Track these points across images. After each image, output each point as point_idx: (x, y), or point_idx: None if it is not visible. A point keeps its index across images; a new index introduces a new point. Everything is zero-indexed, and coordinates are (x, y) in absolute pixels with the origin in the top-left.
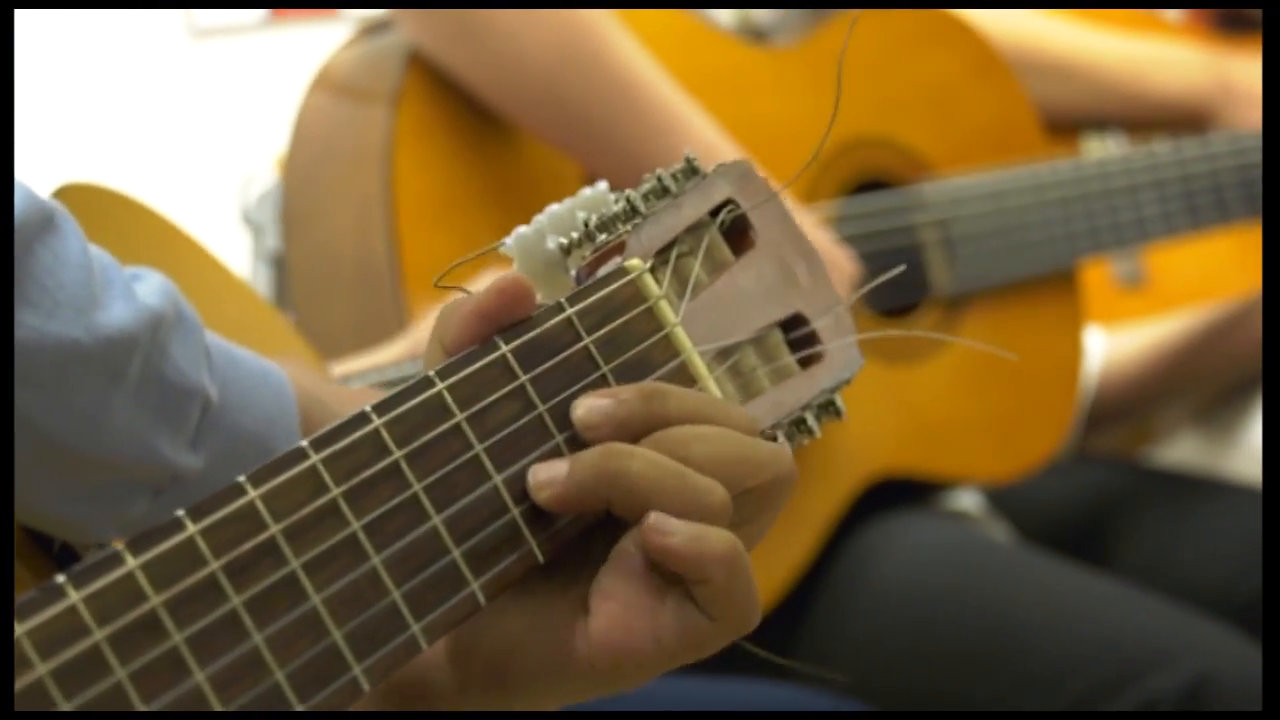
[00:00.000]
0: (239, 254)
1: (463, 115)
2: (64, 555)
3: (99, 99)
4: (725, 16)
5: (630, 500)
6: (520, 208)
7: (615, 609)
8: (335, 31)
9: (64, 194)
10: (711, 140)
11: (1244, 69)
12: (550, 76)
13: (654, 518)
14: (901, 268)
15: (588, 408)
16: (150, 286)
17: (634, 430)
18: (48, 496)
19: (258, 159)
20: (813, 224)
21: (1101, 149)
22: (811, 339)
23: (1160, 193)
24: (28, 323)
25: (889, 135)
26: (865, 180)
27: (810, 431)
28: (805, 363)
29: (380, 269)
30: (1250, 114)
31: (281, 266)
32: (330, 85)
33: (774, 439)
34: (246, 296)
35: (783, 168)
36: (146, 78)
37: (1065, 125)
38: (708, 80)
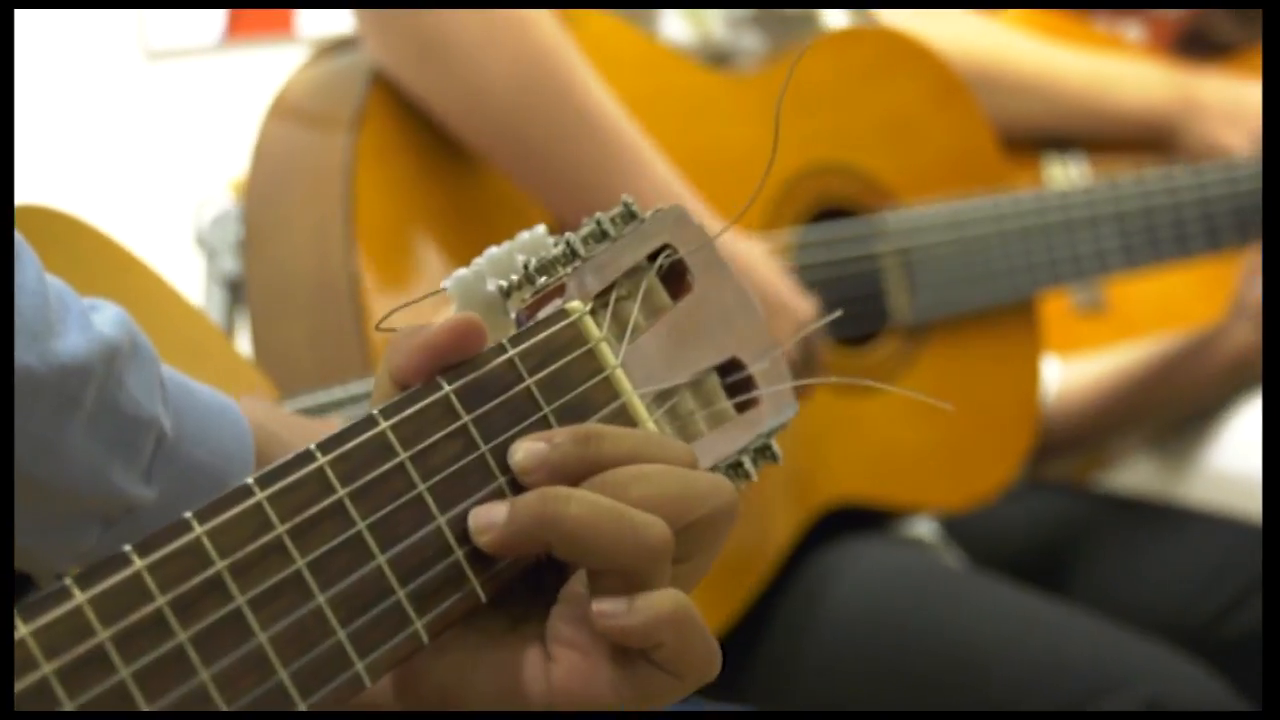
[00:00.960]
0: (193, 277)
1: (424, 138)
2: (22, 581)
3: (52, 120)
4: (684, 36)
5: (570, 544)
6: (480, 231)
7: (576, 659)
8: (291, 54)
9: (17, 217)
10: (668, 180)
11: (1209, 85)
12: (511, 109)
13: (596, 605)
14: (836, 313)
15: (525, 452)
16: (106, 317)
17: (570, 473)
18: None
19: (212, 182)
20: (771, 269)
21: (1063, 171)
22: (748, 384)
23: (1121, 225)
24: None
25: (850, 162)
26: (826, 208)
27: (747, 475)
28: (742, 407)
29: (339, 290)
30: (1216, 130)
31: (235, 289)
32: (292, 105)
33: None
34: (199, 324)
35: (740, 195)
36: (100, 99)
37: (1027, 144)
38: (666, 105)
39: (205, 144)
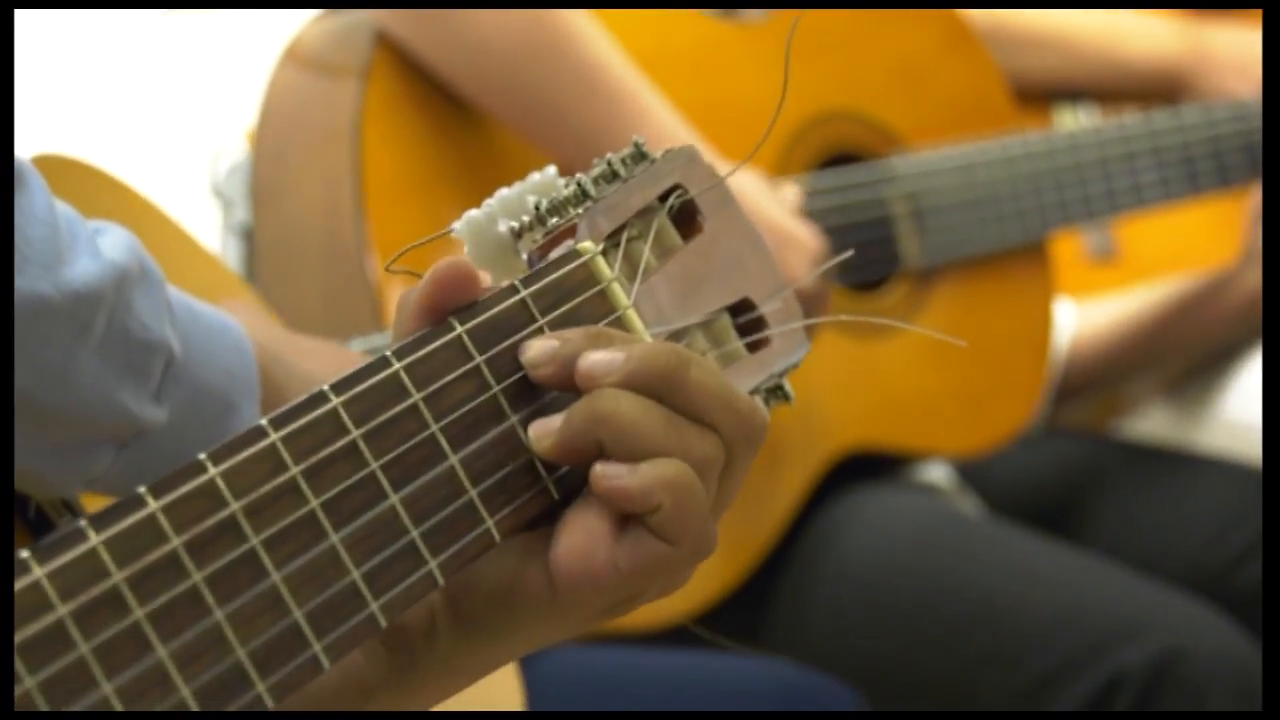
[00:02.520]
0: (209, 227)
1: (432, 91)
2: (39, 521)
3: (66, 70)
4: None
5: (622, 438)
6: (488, 184)
7: (575, 537)
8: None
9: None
10: (672, 127)
11: (1219, 37)
12: (512, 60)
13: (599, 466)
14: (849, 253)
15: (536, 348)
16: (114, 241)
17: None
18: (16, 449)
19: (228, 132)
20: (777, 202)
21: (1074, 120)
22: (759, 324)
23: (1131, 164)
24: None
25: (859, 109)
26: (835, 154)
27: None
28: (753, 347)
29: (348, 244)
30: (1226, 81)
31: (251, 240)
32: (300, 60)
33: None
34: (215, 268)
35: (749, 143)
36: (115, 49)
37: (1038, 95)
38: (676, 55)
39: (220, 94)
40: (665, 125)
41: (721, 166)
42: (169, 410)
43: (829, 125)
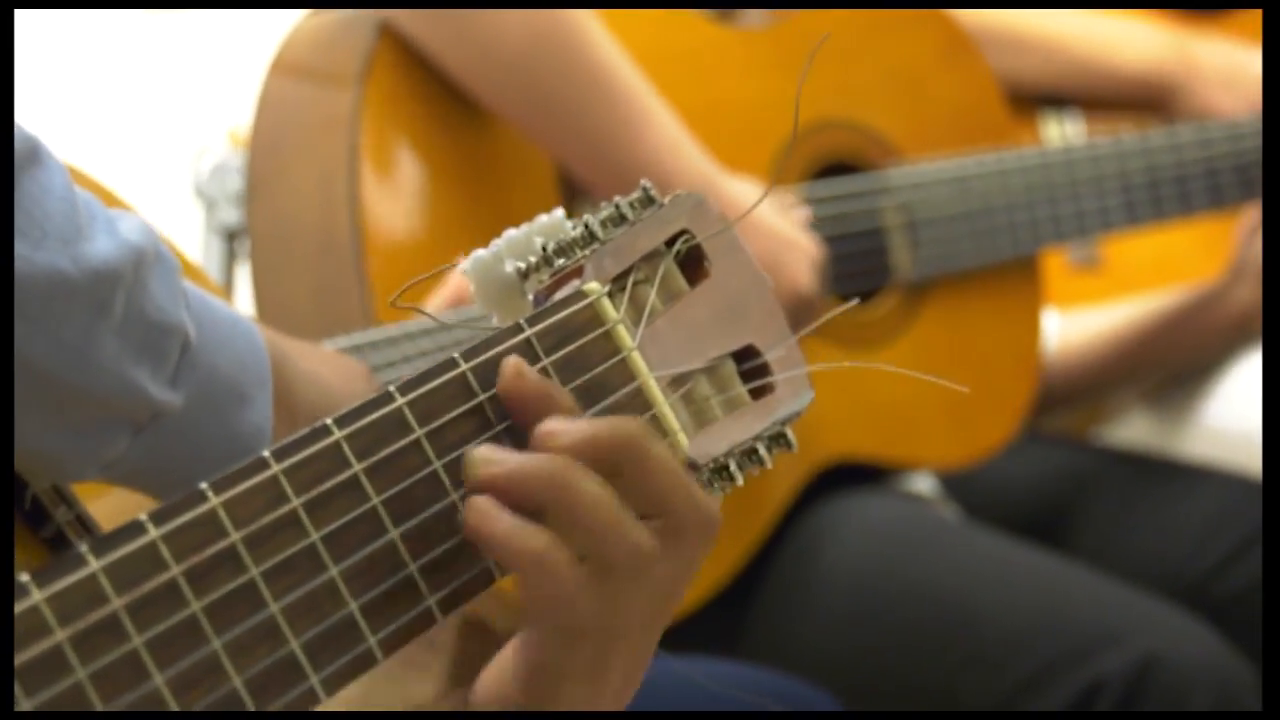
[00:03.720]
0: (192, 228)
1: (431, 89)
2: (35, 512)
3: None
4: None
5: (566, 512)
6: (486, 185)
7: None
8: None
9: None
10: (675, 134)
11: (1208, 49)
12: (522, 59)
13: (477, 452)
14: (854, 302)
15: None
16: (131, 224)
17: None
18: (31, 430)
19: (211, 132)
20: (777, 209)
21: (1059, 130)
22: (763, 370)
23: (1125, 183)
24: (17, 251)
25: (856, 118)
26: (831, 163)
27: (761, 462)
28: (757, 394)
29: (343, 241)
30: (1212, 95)
31: (234, 240)
32: (298, 55)
33: (725, 467)
34: (198, 277)
35: (750, 148)
36: (97, 49)
37: (1023, 103)
38: (674, 58)
39: (204, 93)
40: (667, 132)
41: (730, 214)
42: (184, 396)
43: (825, 134)
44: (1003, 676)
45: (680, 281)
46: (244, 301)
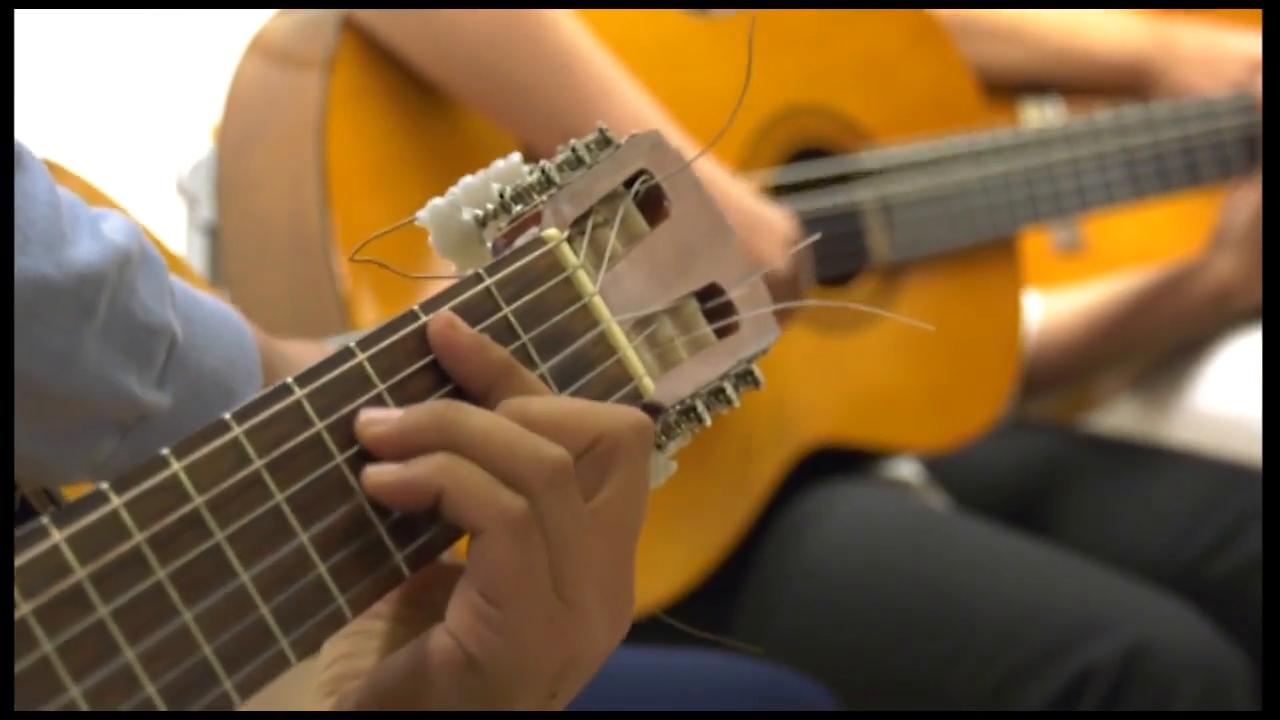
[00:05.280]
0: (174, 225)
1: (397, 83)
2: (23, 512)
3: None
4: None
5: (465, 450)
6: (455, 176)
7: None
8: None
9: None
10: (644, 112)
11: (1187, 31)
12: (485, 44)
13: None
14: (817, 235)
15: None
16: (115, 225)
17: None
18: (19, 435)
19: (192, 129)
20: (745, 188)
21: (1040, 116)
22: (728, 309)
23: (1101, 162)
24: None
25: (828, 103)
26: (804, 148)
27: (729, 401)
28: (722, 333)
29: (313, 238)
30: (1192, 78)
31: (216, 237)
32: (264, 52)
33: (693, 408)
34: (183, 270)
35: (721, 136)
36: (80, 43)
37: (1004, 89)
38: (642, 49)
39: (185, 90)
40: (635, 107)
41: (688, 150)
42: (171, 395)
43: (796, 120)
44: (991, 665)
45: (640, 223)
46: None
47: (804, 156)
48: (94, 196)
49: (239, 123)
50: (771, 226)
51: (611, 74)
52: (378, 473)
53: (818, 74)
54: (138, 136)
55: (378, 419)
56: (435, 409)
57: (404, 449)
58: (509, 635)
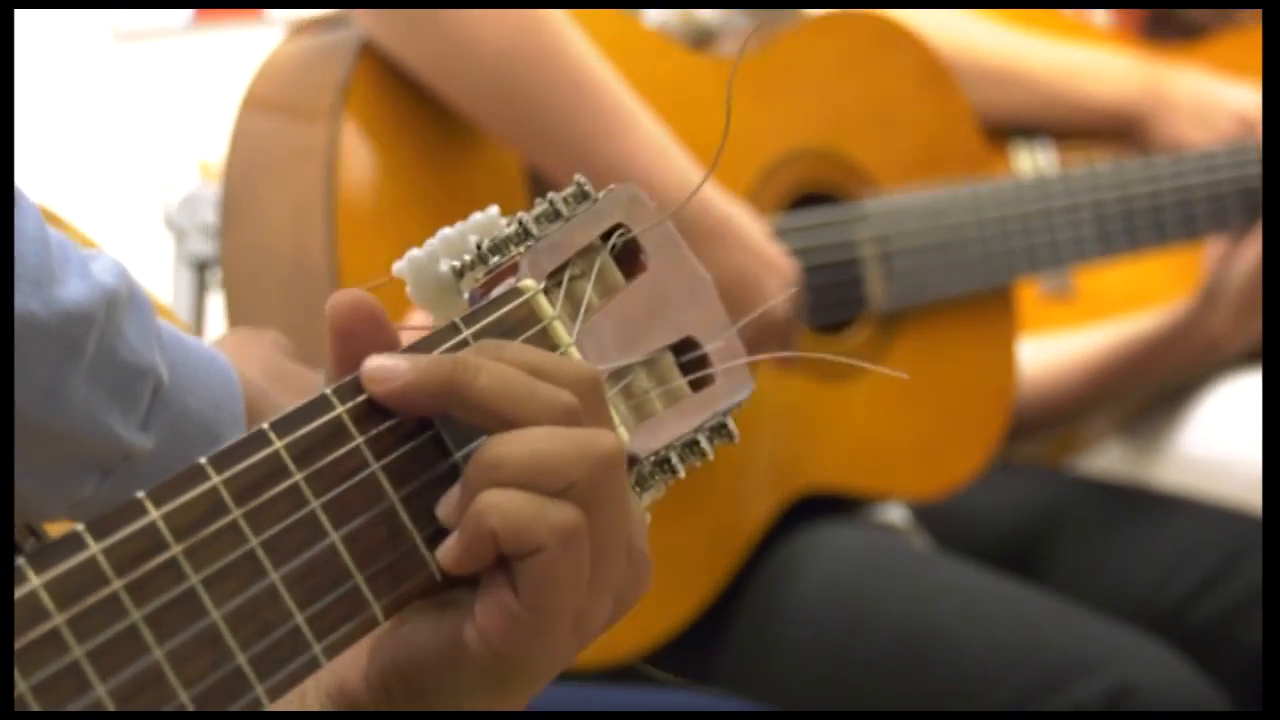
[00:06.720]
0: (162, 258)
1: (407, 120)
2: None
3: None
4: (670, 16)
5: (472, 410)
6: (464, 213)
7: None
8: (260, 34)
9: None
10: (660, 142)
11: (1179, 79)
12: (503, 67)
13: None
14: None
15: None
16: (104, 265)
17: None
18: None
19: (181, 162)
20: (757, 231)
21: (1030, 160)
22: (703, 362)
23: (1099, 213)
24: None
25: (832, 148)
26: (807, 193)
27: (703, 454)
28: (697, 386)
29: (317, 272)
30: (1184, 129)
31: (204, 271)
32: (271, 84)
33: (667, 460)
34: (168, 317)
35: (726, 179)
36: (70, 79)
37: (995, 133)
38: (652, 89)
39: (174, 125)
40: (649, 135)
41: (714, 223)
42: (155, 438)
43: (801, 163)
44: (976, 706)
45: (616, 275)
46: (216, 332)
47: (808, 201)
48: (83, 244)
49: (245, 152)
50: (779, 273)
51: (629, 104)
52: (443, 555)
53: (823, 117)
54: (126, 171)
55: (382, 376)
56: (445, 359)
57: (417, 405)
58: (542, 637)
